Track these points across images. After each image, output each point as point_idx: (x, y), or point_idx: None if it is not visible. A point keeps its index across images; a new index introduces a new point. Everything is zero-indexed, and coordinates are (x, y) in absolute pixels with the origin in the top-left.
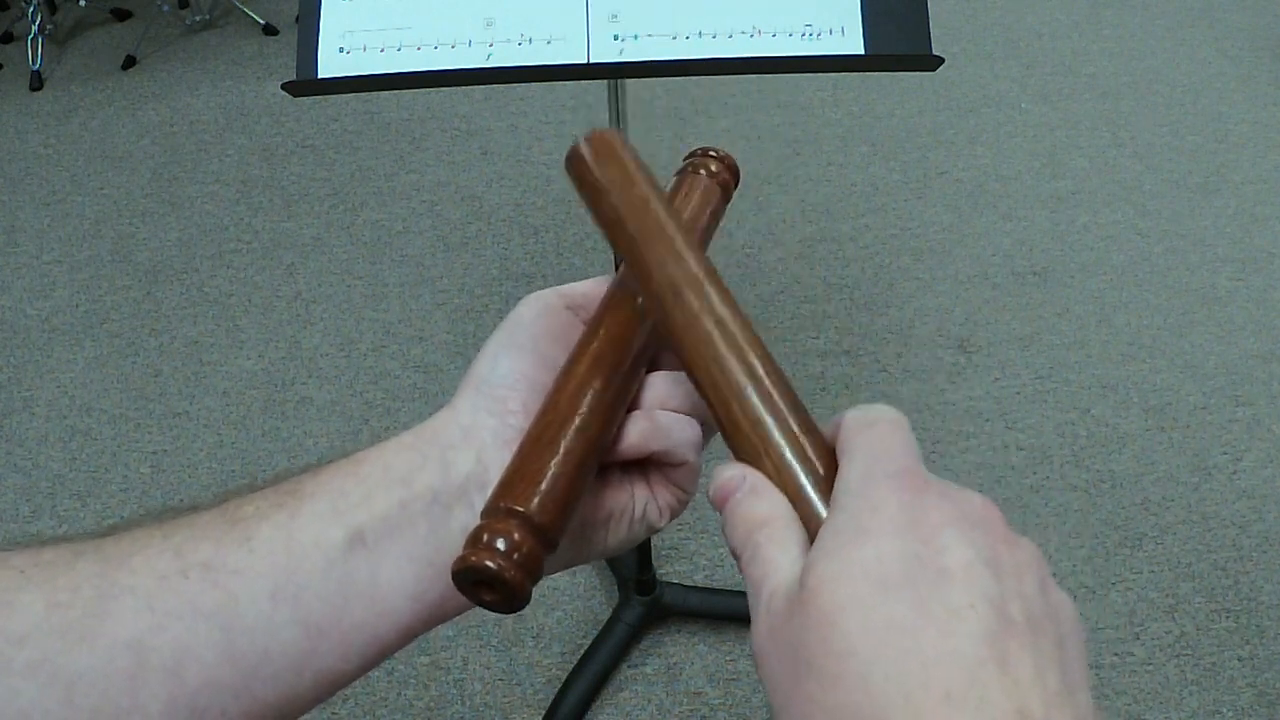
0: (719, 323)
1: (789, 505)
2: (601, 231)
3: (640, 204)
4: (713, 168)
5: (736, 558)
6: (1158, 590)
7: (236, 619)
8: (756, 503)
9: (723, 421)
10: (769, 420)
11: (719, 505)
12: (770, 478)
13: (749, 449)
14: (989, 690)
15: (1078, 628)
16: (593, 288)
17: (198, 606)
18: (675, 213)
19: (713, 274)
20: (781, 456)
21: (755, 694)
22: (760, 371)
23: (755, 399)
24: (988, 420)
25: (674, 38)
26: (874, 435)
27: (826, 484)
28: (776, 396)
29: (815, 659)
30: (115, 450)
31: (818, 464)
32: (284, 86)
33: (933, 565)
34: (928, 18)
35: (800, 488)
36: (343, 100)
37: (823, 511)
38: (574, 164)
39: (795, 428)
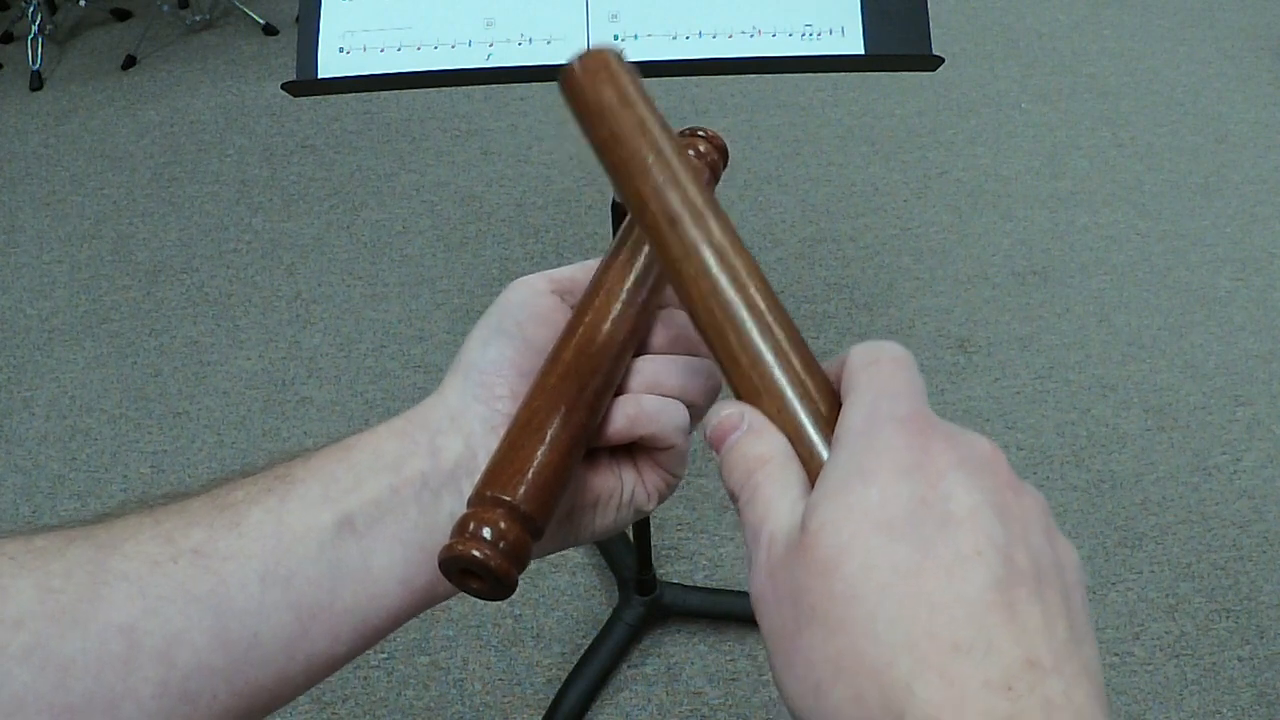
0: (719, 253)
1: (789, 445)
2: (596, 156)
3: (637, 127)
4: (701, 148)
5: (734, 499)
6: (1158, 590)
7: (227, 603)
8: (755, 442)
9: (721, 357)
10: (769, 357)
11: (716, 445)
12: (770, 416)
13: (748, 387)
14: (997, 638)
15: (1082, 579)
16: (579, 272)
17: (189, 591)
18: (674, 139)
19: (713, 203)
20: (782, 395)
21: (755, 694)
22: (761, 305)
23: (755, 334)
24: (988, 420)
25: (674, 38)
26: (879, 373)
27: (829, 423)
28: (778, 331)
29: (817, 604)
30: (115, 450)
31: (820, 403)
32: (284, 86)
33: (938, 509)
34: (928, 18)
35: (801, 427)
36: (343, 100)
37: (824, 452)
38: (567, 84)
39: (797, 365)
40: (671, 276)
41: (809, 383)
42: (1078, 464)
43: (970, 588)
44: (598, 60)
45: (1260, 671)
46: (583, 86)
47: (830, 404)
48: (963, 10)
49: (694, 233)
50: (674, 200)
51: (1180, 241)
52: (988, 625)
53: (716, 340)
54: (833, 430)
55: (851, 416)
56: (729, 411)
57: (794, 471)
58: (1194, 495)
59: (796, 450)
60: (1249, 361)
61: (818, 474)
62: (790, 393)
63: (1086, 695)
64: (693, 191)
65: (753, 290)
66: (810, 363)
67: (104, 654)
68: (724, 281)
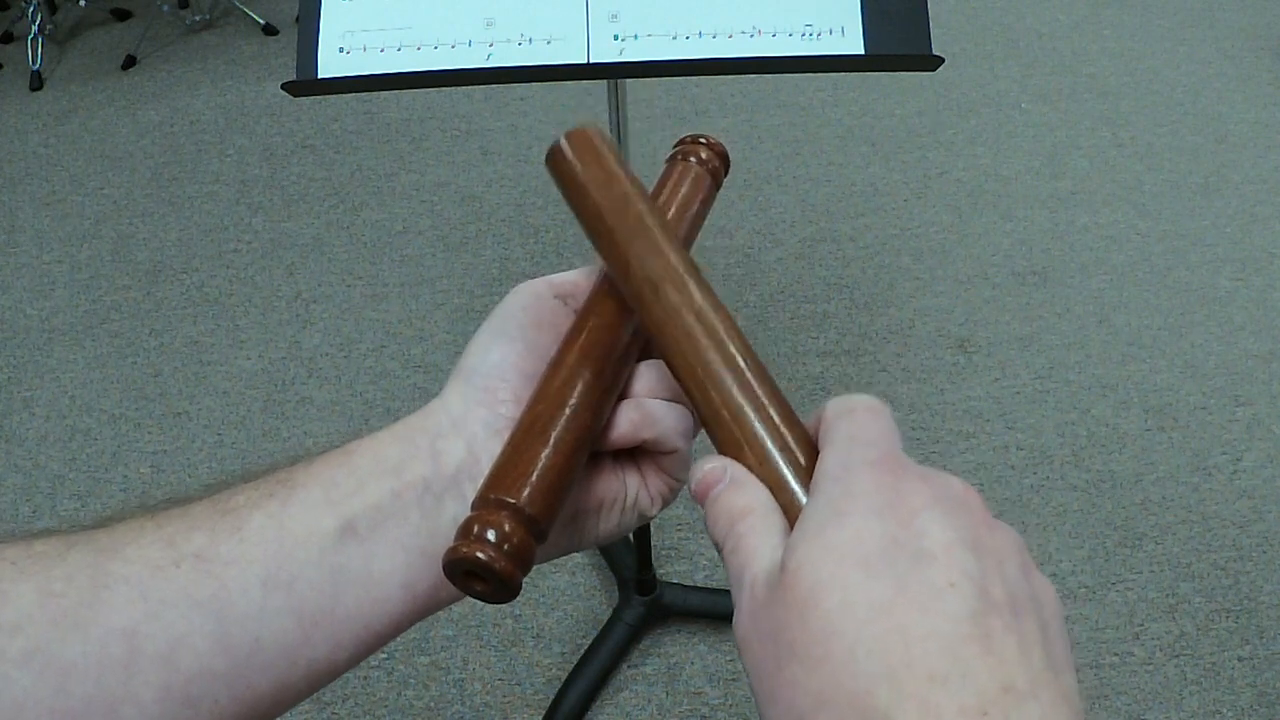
0: (699, 316)
1: (770, 495)
2: (582, 228)
3: (620, 200)
4: (703, 155)
5: (719, 549)
6: (1158, 590)
7: (229, 608)
8: (738, 494)
9: (704, 414)
10: (750, 412)
11: (700, 499)
12: (752, 469)
13: (730, 441)
14: (973, 667)
15: (1059, 613)
16: (582, 277)
17: (191, 596)
18: (655, 209)
19: (693, 268)
20: (763, 448)
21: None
22: (741, 363)
23: (736, 391)
24: (988, 420)
25: (674, 38)
26: (853, 422)
27: (807, 473)
28: (757, 388)
29: (798, 641)
30: (115, 450)
31: (799, 453)
32: (284, 86)
33: (912, 546)
34: (928, 18)
35: (781, 477)
36: (343, 100)
37: (803, 500)
38: (555, 161)
39: (776, 418)
40: (655, 338)
41: (788, 435)
42: (1078, 464)
43: (945, 619)
44: (583, 139)
45: (1260, 671)
46: (570, 163)
47: (809, 454)
48: (963, 10)
49: (675, 298)
50: (655, 268)
51: (1180, 241)
52: (963, 655)
53: (699, 397)
54: (811, 478)
55: (827, 463)
56: (712, 465)
57: (775, 520)
58: (1194, 495)
59: (778, 499)
60: (1249, 361)
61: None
62: (770, 445)
63: None
64: (674, 259)
65: (732, 349)
66: (789, 416)
67: (105, 658)
68: (705, 342)
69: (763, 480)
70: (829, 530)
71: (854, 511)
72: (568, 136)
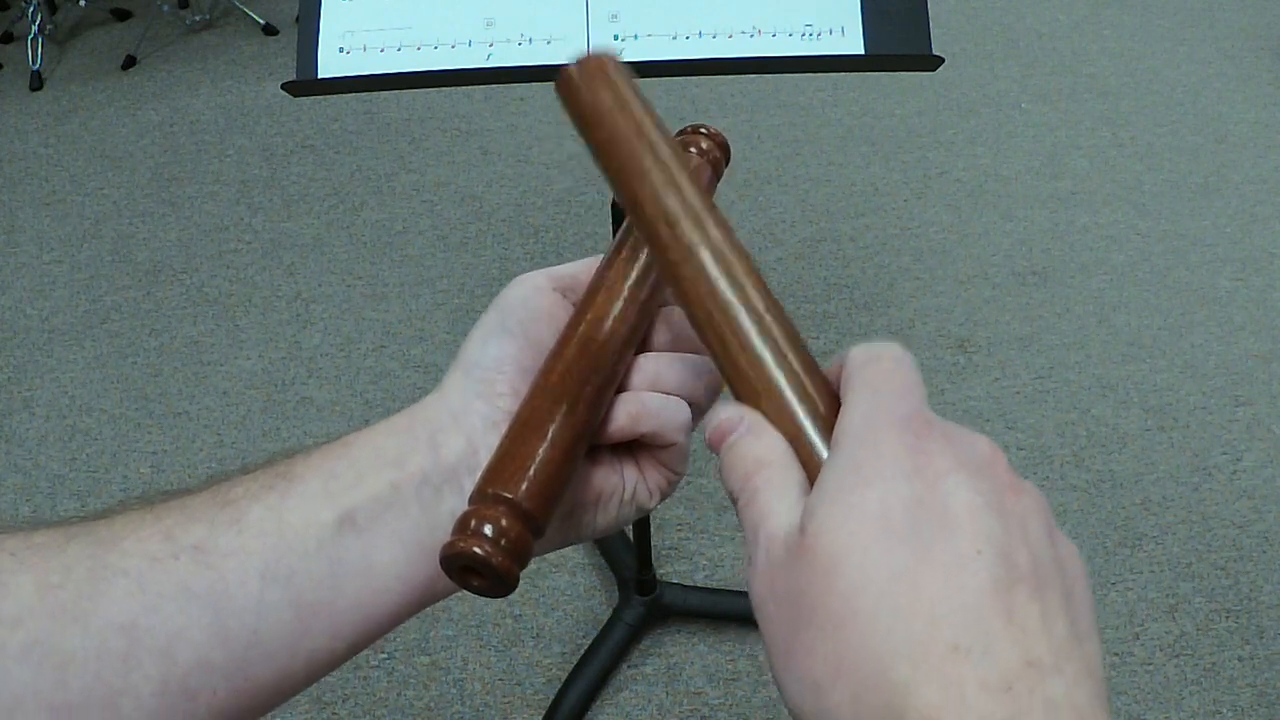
0: (717, 255)
1: (788, 446)
2: (594, 159)
3: (634, 130)
4: (703, 145)
5: (733, 500)
6: (1158, 590)
7: (228, 600)
8: (754, 444)
9: (720, 359)
10: (768, 357)
11: (715, 446)
12: (769, 417)
13: (747, 388)
14: (996, 640)
15: (1084, 577)
16: (581, 269)
17: (189, 588)
18: (671, 141)
19: (710, 204)
20: (781, 395)
21: (755, 694)
22: (759, 307)
23: (754, 335)
24: (988, 420)
25: (674, 38)
26: (878, 373)
27: (827, 424)
28: (777, 332)
29: (816, 605)
30: (115, 450)
31: (819, 403)
32: (284, 86)
33: (937, 510)
34: (928, 18)
35: (800, 428)
36: (343, 100)
37: (823, 453)
38: (564, 88)
39: (796, 365)
40: (669, 278)
41: (808, 383)
42: (1078, 464)
43: (969, 589)
44: (595, 64)
45: (1260, 671)
46: (580, 90)
47: (830, 404)
48: (963, 10)
49: (692, 235)
50: (671, 203)
51: (1180, 241)
52: (986, 626)
53: (715, 342)
54: (832, 430)
55: (850, 417)
56: (728, 413)
57: (793, 473)
58: (1194, 495)
59: (796, 451)
60: (1249, 361)
61: (816, 474)
62: (789, 393)
63: (1088, 695)
64: (690, 194)
65: (751, 291)
66: (809, 363)
67: (103, 651)
68: (722, 283)
69: (781, 430)
70: (851, 492)
71: (877, 473)
72: (580, 63)
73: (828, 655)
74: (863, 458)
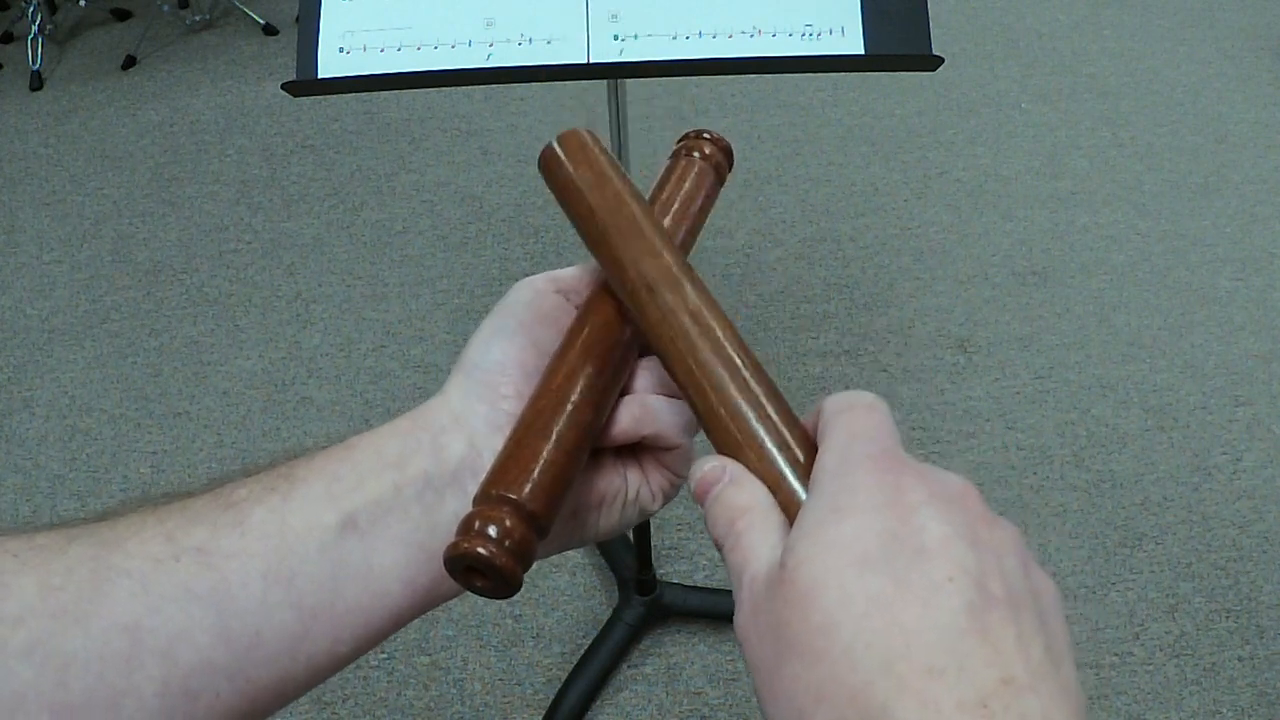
0: (694, 317)
1: (769, 494)
2: (577, 230)
3: (613, 202)
4: (706, 150)
5: (719, 548)
6: (1158, 590)
7: (230, 602)
8: (737, 493)
9: (702, 414)
10: (747, 411)
11: (700, 498)
12: (751, 468)
13: (729, 441)
14: (971, 660)
15: (1059, 607)
16: (584, 273)
17: (191, 590)
18: (649, 210)
19: (687, 269)
20: (761, 446)
21: (754, 693)
22: (738, 363)
23: (733, 390)
24: (988, 420)
25: (674, 38)
26: (851, 418)
27: (806, 470)
28: (755, 387)
29: (797, 637)
30: (115, 450)
31: (797, 451)
32: (284, 86)
33: (911, 542)
34: (928, 18)
35: (780, 475)
36: (343, 100)
37: (803, 496)
38: (547, 164)
39: (774, 417)
40: (651, 339)
41: (786, 433)
42: (1078, 464)
43: (944, 613)
44: (575, 141)
45: (1260, 671)
46: (562, 166)
47: (807, 452)
48: (963, 10)
49: (669, 298)
50: (650, 270)
51: (1180, 241)
52: (962, 648)
53: (696, 397)
54: (810, 475)
55: (826, 459)
56: (711, 465)
57: (774, 517)
58: (1194, 495)
59: (777, 497)
60: (1249, 361)
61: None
62: (768, 443)
63: (1065, 715)
64: (667, 260)
65: (729, 349)
66: (787, 414)
67: (105, 652)
68: (701, 343)
69: (762, 478)
70: (828, 527)
71: (852, 508)
72: (559, 139)
73: (809, 683)
74: (838, 494)
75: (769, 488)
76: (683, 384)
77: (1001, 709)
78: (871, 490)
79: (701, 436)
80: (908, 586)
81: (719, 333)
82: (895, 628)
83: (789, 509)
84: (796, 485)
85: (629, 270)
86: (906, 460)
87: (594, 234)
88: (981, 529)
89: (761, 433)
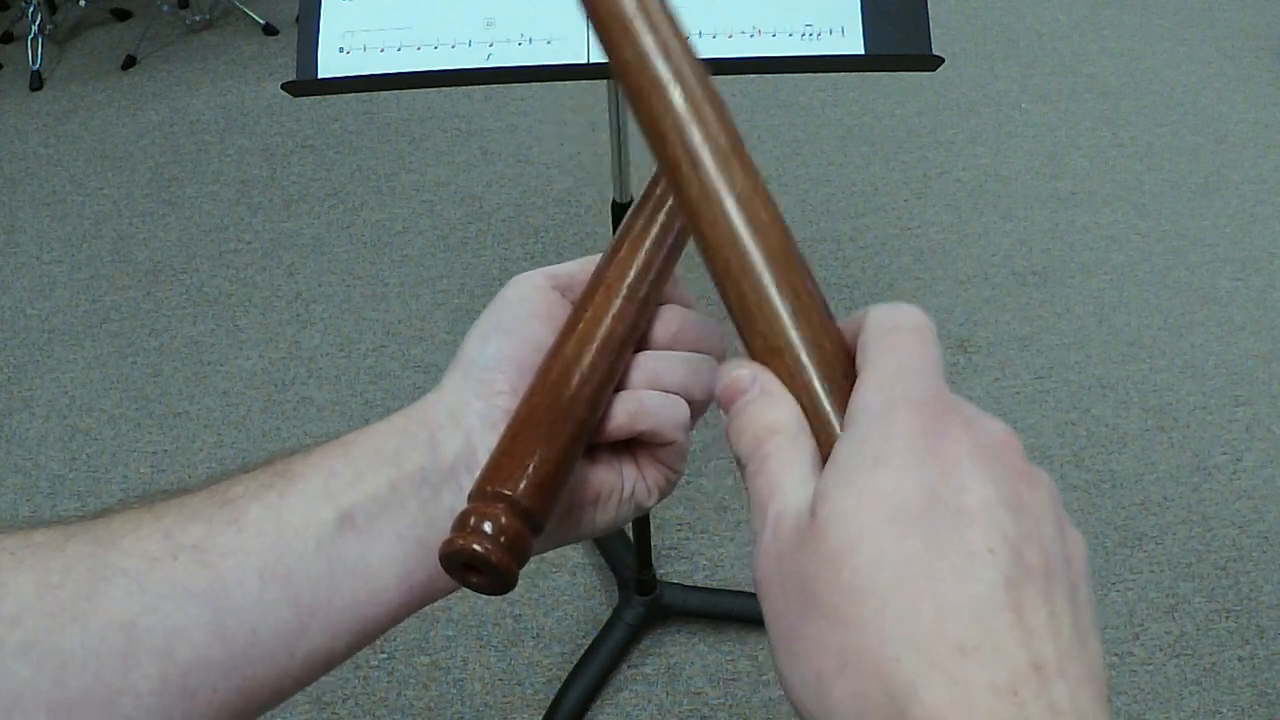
0: (739, 199)
1: (801, 415)
2: (615, 77)
3: (661, 49)
4: None
5: (740, 466)
6: (1158, 590)
7: (226, 599)
8: (767, 409)
9: (734, 310)
10: (786, 316)
11: (725, 405)
12: (783, 380)
13: (761, 344)
14: (1004, 641)
15: (1086, 571)
16: (579, 268)
17: (188, 587)
18: (699, 69)
19: (738, 142)
20: (797, 358)
21: (755, 694)
22: (783, 259)
23: (772, 288)
24: None
25: None
26: (896, 344)
27: (843, 393)
28: (798, 285)
29: (825, 595)
30: (115, 450)
31: (836, 370)
32: (284, 86)
33: (951, 502)
34: (928, 18)
35: (815, 395)
36: (343, 100)
37: (837, 426)
38: None
39: (816, 325)
40: (688, 218)
41: (826, 345)
42: (1078, 464)
43: (980, 587)
44: None
45: (1260, 671)
46: None
47: (846, 370)
48: (963, 10)
49: (715, 174)
50: (696, 137)
51: (1180, 241)
52: (995, 627)
53: (731, 291)
54: (846, 401)
55: (866, 394)
56: (740, 371)
57: (805, 444)
58: (1194, 495)
59: (809, 420)
60: (1249, 361)
61: (829, 448)
62: (805, 356)
63: (1090, 698)
64: (716, 129)
65: (774, 239)
66: (828, 322)
67: (102, 650)
68: (743, 229)
69: (795, 395)
70: (865, 477)
71: (892, 457)
72: None
73: (833, 646)
74: (878, 440)
75: (801, 406)
76: (718, 274)
77: (1031, 696)
78: (914, 437)
79: (699, 430)
80: (944, 553)
81: (765, 219)
82: (929, 599)
83: (821, 436)
84: (832, 412)
85: (671, 135)
86: (951, 404)
87: (635, 86)
88: (1022, 489)
89: (799, 343)
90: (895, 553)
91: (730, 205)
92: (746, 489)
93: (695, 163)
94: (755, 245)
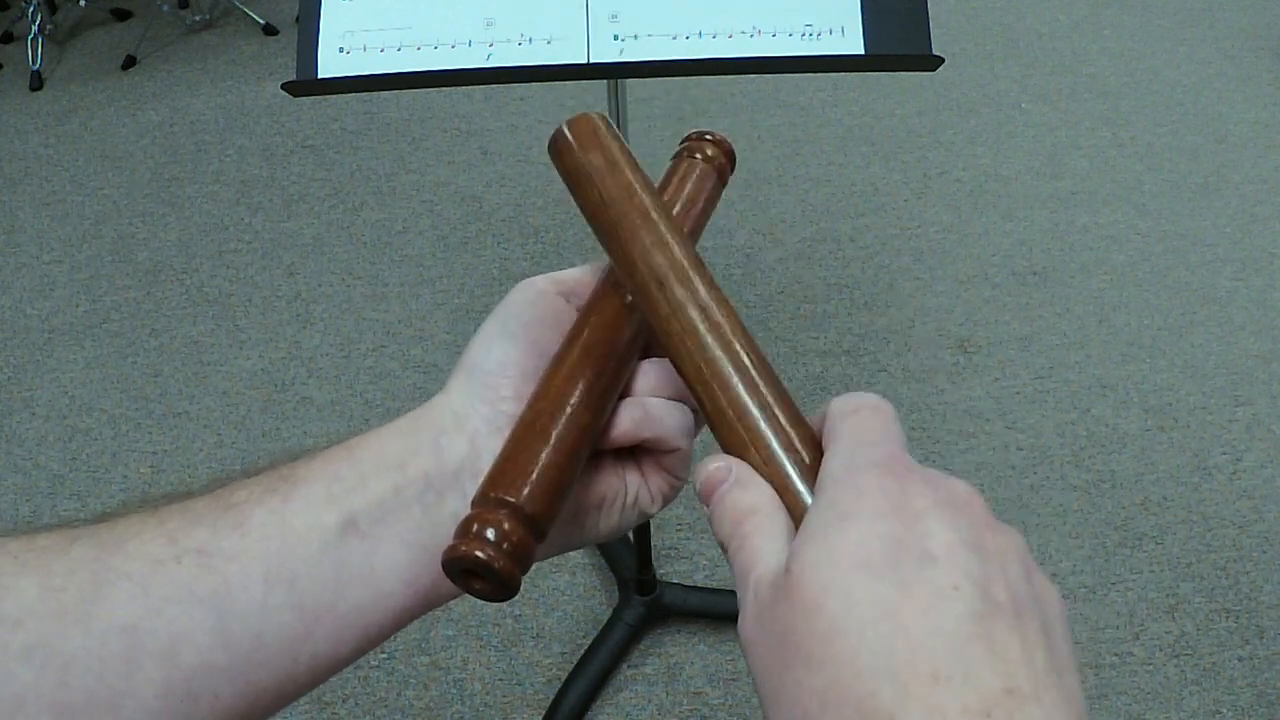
0: (704, 312)
1: (775, 495)
2: (585, 218)
3: (624, 190)
4: (709, 151)
5: (724, 549)
6: (1158, 590)
7: (230, 604)
8: (743, 494)
9: (709, 412)
10: (755, 411)
11: (706, 498)
12: (757, 469)
13: (735, 440)
14: (976, 668)
15: (1063, 615)
16: (585, 274)
17: (192, 591)
18: (660, 201)
19: (698, 263)
20: (768, 447)
21: (755, 694)
22: (746, 362)
23: (741, 389)
24: (988, 420)
25: (674, 38)
26: (857, 421)
27: (812, 472)
28: (763, 386)
29: (802, 642)
30: (115, 450)
31: (804, 453)
32: (284, 86)
33: (916, 548)
34: (928, 18)
35: (786, 477)
36: (343, 100)
37: (808, 499)
38: (557, 149)
39: (781, 418)
40: (660, 333)
41: (793, 434)
42: (1078, 464)
43: (948, 620)
44: (586, 126)
45: (1260, 671)
46: (572, 151)
47: (814, 454)
48: (963, 10)
49: (680, 293)
50: (660, 262)
51: (1180, 241)
52: (966, 655)
53: (704, 395)
54: (816, 478)
55: (832, 463)
56: (717, 465)
57: (780, 519)
58: (1194, 495)
59: (783, 499)
60: (1249, 361)
61: (803, 519)
62: (775, 444)
63: None
64: (679, 253)
65: (738, 347)
66: (794, 415)
67: (106, 653)
68: (709, 339)
69: (768, 479)
70: (833, 532)
71: (858, 513)
72: (570, 124)
73: (814, 688)
74: (844, 499)
75: (775, 489)
76: (690, 380)
77: (1004, 717)
78: (877, 495)
79: (703, 436)
80: (913, 593)
81: (728, 330)
82: (900, 635)
83: (795, 512)
84: (802, 488)
85: (638, 262)
86: (912, 465)
87: (603, 223)
88: (986, 535)
89: (769, 433)
90: (865, 595)
91: (696, 318)
92: (731, 568)
93: (662, 283)
94: (722, 352)
